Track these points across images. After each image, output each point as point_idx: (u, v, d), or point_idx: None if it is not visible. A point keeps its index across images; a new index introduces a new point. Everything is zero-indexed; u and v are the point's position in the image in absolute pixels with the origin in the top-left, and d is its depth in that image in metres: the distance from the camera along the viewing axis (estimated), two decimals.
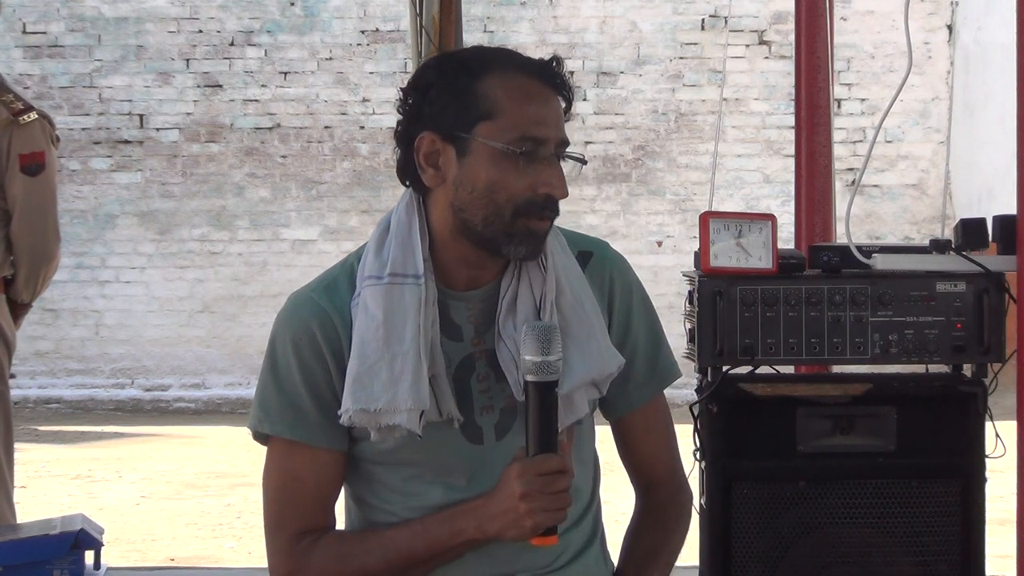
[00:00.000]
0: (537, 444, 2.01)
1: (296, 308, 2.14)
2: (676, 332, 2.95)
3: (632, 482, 2.33)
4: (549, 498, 2.00)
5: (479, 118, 2.03)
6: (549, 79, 2.06)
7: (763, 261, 2.95)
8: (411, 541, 2.09)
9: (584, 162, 2.14)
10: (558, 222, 2.15)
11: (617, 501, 4.17)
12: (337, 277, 2.17)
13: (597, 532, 2.27)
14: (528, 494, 1.99)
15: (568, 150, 2.09)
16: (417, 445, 2.08)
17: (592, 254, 2.22)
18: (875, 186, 11.80)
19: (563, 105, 2.09)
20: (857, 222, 11.21)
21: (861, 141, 11.74)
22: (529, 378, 2.00)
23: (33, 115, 4.51)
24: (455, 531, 2.07)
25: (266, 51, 11.83)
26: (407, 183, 2.14)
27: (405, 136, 2.10)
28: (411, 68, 5.24)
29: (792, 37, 5.11)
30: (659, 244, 11.70)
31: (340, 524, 2.22)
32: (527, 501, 1.99)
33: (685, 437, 2.89)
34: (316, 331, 2.11)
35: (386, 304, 2.07)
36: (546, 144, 2.04)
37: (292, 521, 2.14)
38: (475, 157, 2.03)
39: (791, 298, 2.95)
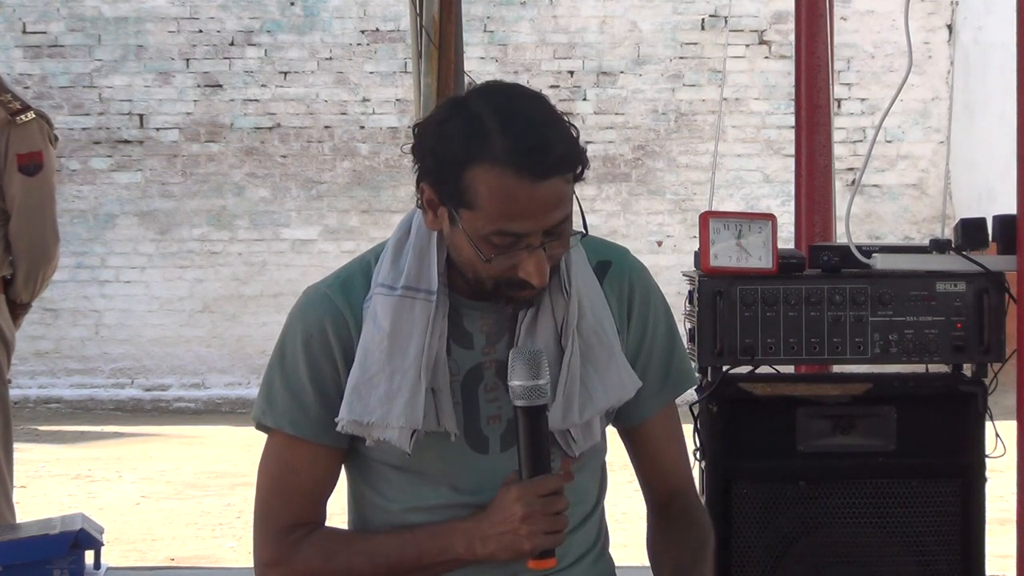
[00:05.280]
0: (531, 467, 2.00)
1: (310, 304, 2.14)
2: None
3: (646, 495, 2.29)
4: (549, 520, 2.00)
5: (461, 205, 1.98)
6: (543, 172, 1.94)
7: (763, 261, 2.95)
8: (400, 550, 2.09)
9: (584, 233, 2.07)
10: None
11: (617, 501, 4.17)
12: (354, 274, 2.15)
13: (601, 535, 2.25)
14: (529, 516, 1.99)
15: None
16: (420, 452, 2.08)
17: (611, 263, 2.20)
18: (875, 186, 11.80)
19: (568, 179, 1.99)
20: (857, 222, 11.20)
21: (861, 141, 11.73)
22: (519, 403, 2.00)
23: (31, 115, 4.51)
24: (443, 547, 2.07)
25: (266, 51, 11.83)
26: None
27: (418, 169, 2.05)
28: (411, 68, 5.23)
29: (792, 37, 5.11)
30: (659, 244, 11.70)
31: (331, 520, 2.22)
32: (528, 523, 1.99)
33: (685, 437, 2.89)
34: (328, 328, 2.10)
35: (395, 317, 2.06)
36: (526, 236, 1.98)
37: (283, 513, 2.14)
38: (459, 232, 2.00)
39: (791, 298, 2.95)
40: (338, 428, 2.08)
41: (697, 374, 2.94)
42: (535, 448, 2.01)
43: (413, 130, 2.07)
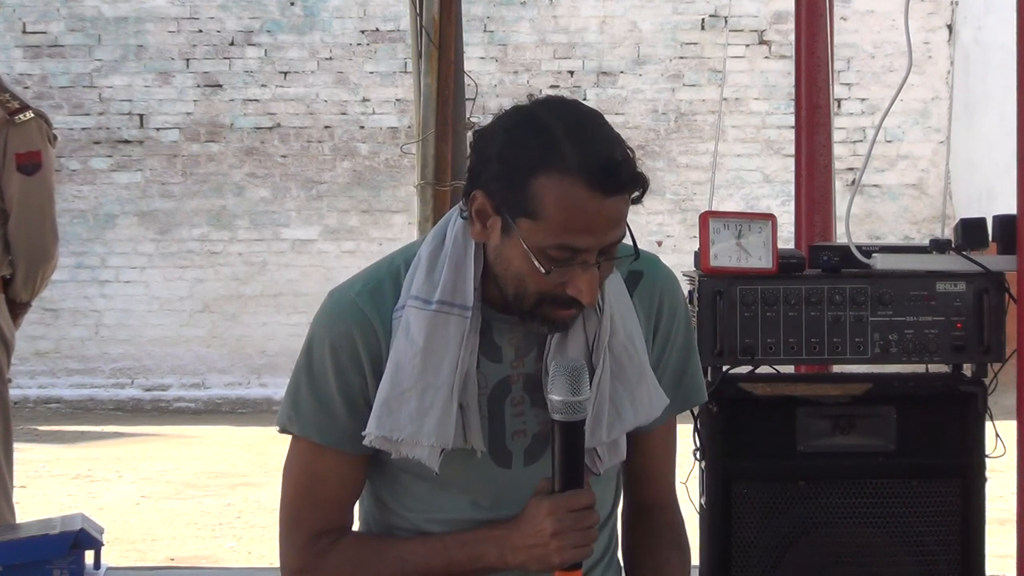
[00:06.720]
0: (564, 480, 1.99)
1: (338, 312, 2.10)
2: None
3: (627, 496, 2.29)
4: (580, 534, 1.99)
5: (523, 214, 1.94)
6: (613, 188, 1.93)
7: (763, 261, 2.95)
8: (429, 558, 2.08)
9: (636, 256, 2.05)
10: None
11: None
12: (382, 281, 2.11)
13: (612, 544, 2.26)
14: (560, 531, 1.98)
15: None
16: (443, 465, 2.07)
17: (642, 274, 2.18)
18: (875, 186, 11.80)
19: (628, 200, 1.98)
20: (857, 222, 11.20)
21: (861, 141, 11.73)
22: (557, 418, 1.97)
23: (29, 114, 4.51)
24: (475, 556, 2.07)
25: (266, 51, 11.83)
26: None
27: (469, 177, 2.03)
28: (411, 68, 5.23)
29: (792, 37, 5.11)
30: (659, 244, 11.70)
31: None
32: (558, 538, 1.98)
33: (685, 437, 2.89)
34: (357, 338, 2.07)
35: (429, 332, 2.03)
36: (584, 252, 1.96)
37: (311, 520, 2.13)
38: (514, 243, 1.97)
39: (791, 298, 2.95)
40: (365, 442, 2.06)
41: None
42: (570, 462, 1.99)
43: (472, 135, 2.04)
